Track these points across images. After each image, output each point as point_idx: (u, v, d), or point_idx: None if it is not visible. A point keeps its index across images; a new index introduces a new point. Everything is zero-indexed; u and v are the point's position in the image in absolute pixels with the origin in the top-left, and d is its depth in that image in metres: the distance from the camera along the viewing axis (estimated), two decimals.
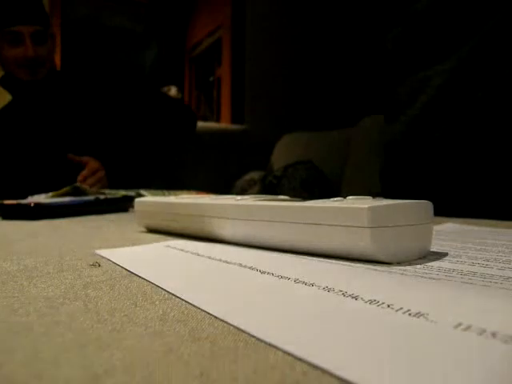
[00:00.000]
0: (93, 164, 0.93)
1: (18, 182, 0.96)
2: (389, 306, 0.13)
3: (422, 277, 0.17)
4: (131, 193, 0.69)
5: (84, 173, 0.92)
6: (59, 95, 1.06)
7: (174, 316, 0.13)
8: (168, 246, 0.27)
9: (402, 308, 0.13)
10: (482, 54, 0.55)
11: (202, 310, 0.14)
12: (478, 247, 0.24)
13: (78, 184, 0.65)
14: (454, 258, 0.21)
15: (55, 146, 1.02)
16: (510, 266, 0.19)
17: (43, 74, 1.02)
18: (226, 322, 0.13)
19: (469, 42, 0.56)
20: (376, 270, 0.19)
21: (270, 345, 0.11)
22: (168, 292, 0.16)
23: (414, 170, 0.63)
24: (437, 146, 0.59)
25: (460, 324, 0.11)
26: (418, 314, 0.12)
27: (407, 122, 0.62)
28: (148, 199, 0.37)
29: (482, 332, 0.11)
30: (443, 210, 0.41)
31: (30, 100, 1.04)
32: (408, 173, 0.64)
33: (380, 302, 0.14)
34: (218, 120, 2.57)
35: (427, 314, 0.12)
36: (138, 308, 0.14)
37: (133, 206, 0.37)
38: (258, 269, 0.19)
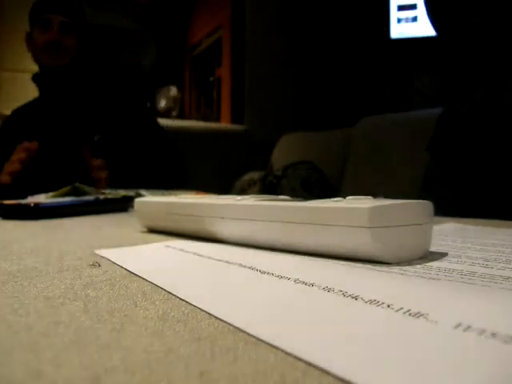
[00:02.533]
0: (102, 162, 0.94)
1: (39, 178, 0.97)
2: (389, 306, 0.13)
3: (421, 277, 0.17)
4: (131, 193, 0.69)
5: (98, 163, 0.92)
6: (80, 86, 1.11)
7: (173, 316, 0.13)
8: (168, 246, 0.27)
9: (402, 308, 0.13)
10: None
11: (201, 309, 0.14)
12: (478, 247, 0.24)
13: (77, 184, 0.65)
14: (453, 257, 0.21)
15: (75, 138, 1.04)
16: (510, 266, 0.19)
17: (65, 60, 1.08)
18: (226, 322, 0.13)
19: None
20: (376, 269, 0.19)
21: (270, 345, 0.11)
22: (168, 292, 0.16)
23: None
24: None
25: (460, 324, 0.11)
26: (418, 314, 0.12)
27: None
28: (148, 199, 0.37)
29: (482, 332, 0.11)
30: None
31: (55, 91, 1.10)
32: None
33: (380, 302, 0.14)
34: (218, 120, 2.57)
35: (427, 314, 0.12)
36: (137, 308, 0.14)
37: (133, 206, 0.37)
38: (258, 269, 0.19)
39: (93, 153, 1.03)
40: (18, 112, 1.16)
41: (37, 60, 1.09)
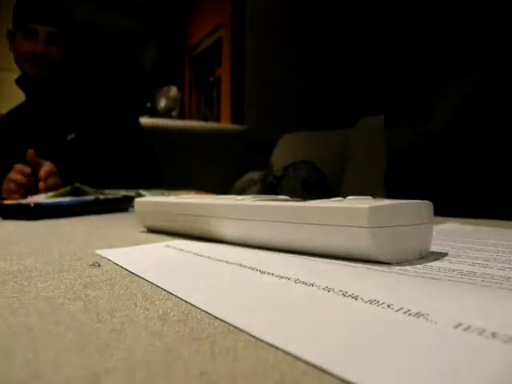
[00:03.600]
0: (51, 167, 0.90)
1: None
2: (389, 306, 0.13)
3: (422, 277, 0.17)
4: (131, 193, 0.69)
5: (45, 172, 0.87)
6: (63, 93, 1.09)
7: (174, 316, 0.13)
8: (168, 246, 0.27)
9: (402, 308, 0.13)
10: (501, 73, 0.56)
11: (202, 309, 0.14)
12: (478, 247, 0.24)
13: (77, 184, 0.65)
14: (453, 257, 0.21)
15: (60, 146, 1.04)
16: (510, 265, 0.19)
17: (49, 72, 1.05)
18: (226, 322, 0.13)
19: (486, 61, 0.57)
20: (376, 270, 0.19)
21: (270, 345, 0.11)
22: (168, 292, 0.16)
23: (419, 174, 0.64)
24: (447, 152, 0.60)
25: (460, 324, 0.11)
26: (418, 314, 0.12)
27: (425, 132, 0.63)
28: (148, 199, 0.37)
29: (481, 332, 0.11)
30: (443, 210, 0.41)
31: (39, 98, 1.08)
32: (412, 177, 0.65)
33: (380, 302, 0.13)
34: (218, 120, 2.58)
35: (427, 314, 0.12)
36: (137, 308, 0.14)
37: (133, 206, 0.37)
38: (258, 269, 0.19)
39: (66, 152, 1.02)
40: (12, 113, 1.14)
41: (18, 64, 1.06)
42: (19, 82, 1.08)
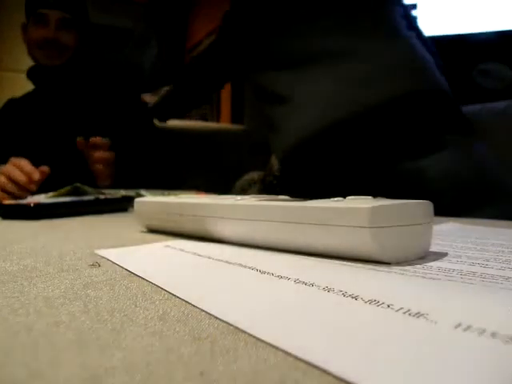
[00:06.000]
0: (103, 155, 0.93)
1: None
2: (389, 306, 0.13)
3: (421, 277, 0.17)
4: (131, 193, 0.69)
5: (100, 154, 0.90)
6: (73, 85, 1.07)
7: (173, 316, 0.13)
8: (168, 246, 0.27)
9: (402, 308, 0.13)
10: None
11: (202, 310, 0.14)
12: (478, 247, 0.24)
13: (78, 184, 0.65)
14: (454, 257, 0.21)
15: (70, 136, 1.03)
16: (509, 265, 0.19)
17: (62, 60, 1.03)
18: (226, 322, 0.13)
19: None
20: (376, 269, 0.19)
21: (270, 345, 0.11)
22: (168, 292, 0.16)
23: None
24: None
25: (460, 324, 0.11)
26: (418, 314, 0.12)
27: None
28: (148, 199, 0.37)
29: (482, 332, 0.11)
30: (443, 210, 0.41)
31: (50, 88, 1.06)
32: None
33: (380, 302, 0.14)
34: (218, 120, 2.58)
35: (427, 314, 0.12)
36: (137, 308, 0.14)
37: (132, 206, 0.37)
38: (258, 269, 0.19)
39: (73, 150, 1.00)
40: (13, 103, 1.12)
41: (31, 55, 1.05)
42: (30, 73, 1.07)
